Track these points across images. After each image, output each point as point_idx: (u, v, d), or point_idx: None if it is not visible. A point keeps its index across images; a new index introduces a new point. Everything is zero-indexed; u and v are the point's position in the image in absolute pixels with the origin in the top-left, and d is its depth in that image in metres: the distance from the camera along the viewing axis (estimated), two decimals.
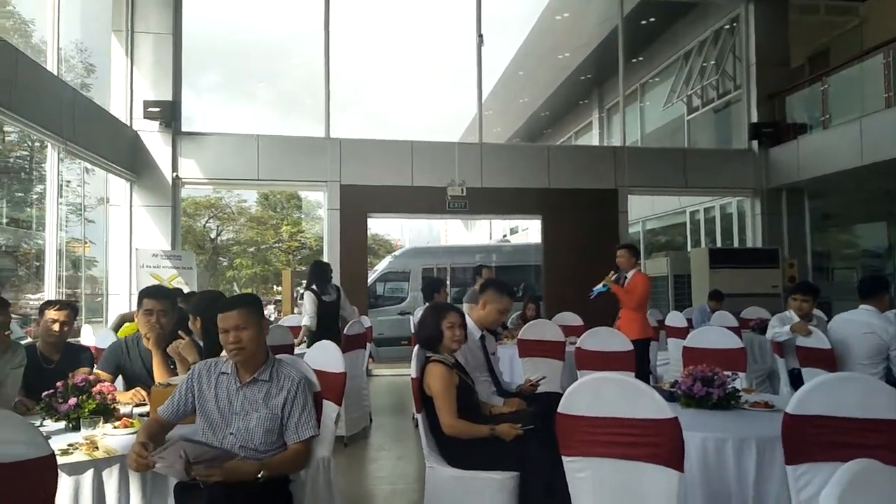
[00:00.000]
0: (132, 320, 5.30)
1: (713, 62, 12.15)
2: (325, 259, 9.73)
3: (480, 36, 10.28)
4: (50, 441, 2.18)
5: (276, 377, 2.45)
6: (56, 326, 3.35)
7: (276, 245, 25.42)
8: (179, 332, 3.39)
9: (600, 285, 5.48)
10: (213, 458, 2.17)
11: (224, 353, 2.50)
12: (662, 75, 14.29)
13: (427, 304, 5.79)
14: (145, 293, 3.44)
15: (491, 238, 23.50)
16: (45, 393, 2.73)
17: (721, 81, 11.98)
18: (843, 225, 12.06)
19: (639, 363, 4.89)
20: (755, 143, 10.60)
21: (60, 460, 2.07)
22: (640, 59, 14.04)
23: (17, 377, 3.09)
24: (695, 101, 12.87)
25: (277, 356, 2.57)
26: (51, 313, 3.34)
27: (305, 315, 5.90)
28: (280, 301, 16.63)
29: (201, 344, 3.44)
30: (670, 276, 11.17)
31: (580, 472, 2.24)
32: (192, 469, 2.10)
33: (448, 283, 12.01)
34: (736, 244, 11.66)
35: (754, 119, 10.58)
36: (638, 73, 14.43)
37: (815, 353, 4.29)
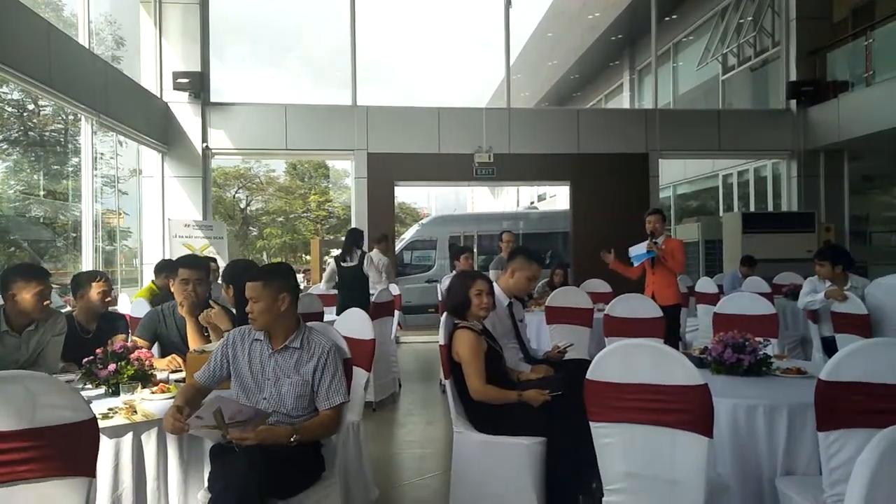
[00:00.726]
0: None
1: (750, 18, 11.69)
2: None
3: None
4: (91, 405, 2.27)
5: (307, 344, 2.50)
6: (103, 298, 3.45)
7: (305, 214, 25.66)
8: (211, 301, 3.46)
9: (643, 251, 5.37)
10: (247, 418, 2.23)
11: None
12: (696, 34, 13.81)
13: (453, 271, 5.81)
14: (181, 263, 3.52)
15: (518, 205, 23.33)
16: (86, 360, 2.83)
17: (758, 38, 11.54)
18: (884, 187, 11.64)
19: (671, 329, 4.86)
20: (793, 103, 10.24)
21: (101, 424, 2.16)
22: (674, 17, 13.59)
23: (58, 344, 3.20)
24: (730, 60, 12.44)
25: (308, 324, 2.61)
26: (98, 285, 3.43)
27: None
28: (309, 270, 16.84)
29: (234, 311, 3.51)
30: (701, 242, 10.98)
31: (608, 438, 2.25)
32: (227, 430, 2.16)
33: (475, 250, 12.00)
34: (770, 208, 11.37)
35: (793, 77, 10.20)
36: (671, 32, 13.98)
37: (850, 319, 4.20)
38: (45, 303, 3.03)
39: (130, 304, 5.37)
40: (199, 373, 2.53)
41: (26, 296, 3.00)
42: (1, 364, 2.61)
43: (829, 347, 4.62)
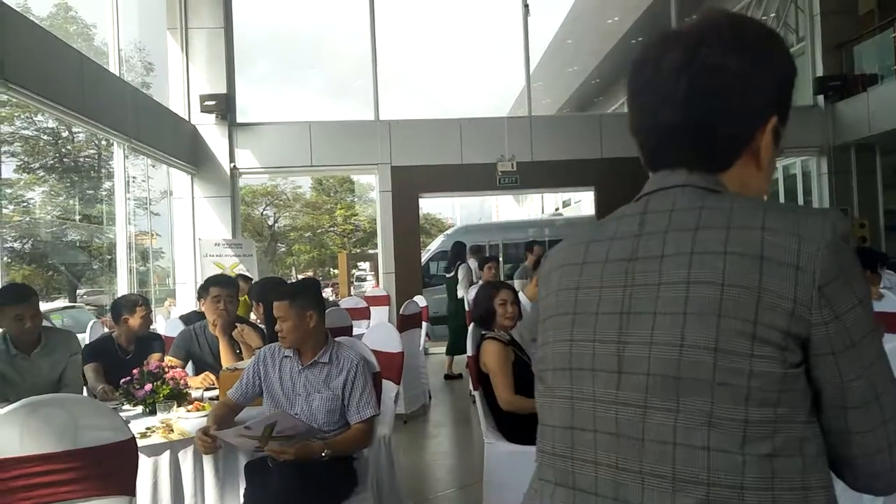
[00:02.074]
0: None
1: (773, 14, 11.54)
2: (379, 240, 9.89)
3: (526, 6, 10.07)
4: (129, 425, 2.34)
5: (336, 359, 2.54)
6: (145, 322, 3.55)
7: (332, 229, 25.92)
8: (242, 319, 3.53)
9: None
10: (296, 434, 2.27)
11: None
12: None
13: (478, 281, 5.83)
14: (212, 282, 3.60)
15: (543, 212, 23.24)
16: (123, 380, 2.91)
17: (783, 34, 11.37)
18: None
19: None
20: (821, 98, 10.04)
21: (140, 443, 2.22)
22: (694, 17, 13.45)
23: (76, 364, 3.22)
24: None
25: (337, 339, 2.65)
26: (141, 310, 3.51)
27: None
28: (337, 284, 17.01)
29: (264, 329, 3.58)
30: None
31: None
32: (267, 442, 2.21)
33: (500, 259, 11.99)
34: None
35: (819, 72, 10.01)
36: None
37: (888, 318, 4.09)
38: (25, 325, 3.01)
39: (165, 322, 5.49)
40: (232, 390, 2.58)
41: (5, 320, 3.01)
42: (22, 388, 2.66)
43: None
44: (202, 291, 5.72)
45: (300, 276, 26.20)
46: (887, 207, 10.19)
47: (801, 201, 11.23)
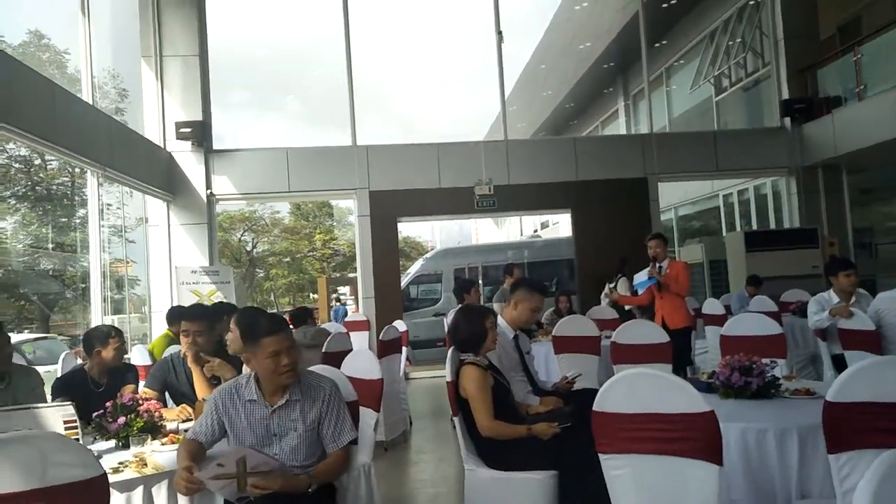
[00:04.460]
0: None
1: (739, 40, 11.88)
2: (358, 265, 9.87)
3: (500, 33, 10.25)
4: (101, 459, 2.28)
5: (307, 391, 2.46)
6: (118, 354, 3.46)
7: (311, 253, 25.78)
8: (202, 355, 3.44)
9: (645, 278, 5.42)
10: (270, 469, 2.23)
11: (244, 372, 2.53)
12: (687, 57, 14.03)
13: (459, 305, 5.82)
14: (181, 315, 3.55)
15: (522, 234, 23.39)
16: (96, 413, 2.84)
17: (748, 59, 11.70)
18: (886, 198, 11.66)
19: (682, 352, 4.84)
20: (787, 121, 10.33)
21: (112, 478, 2.17)
22: (664, 42, 13.82)
23: (39, 399, 3.17)
24: (723, 82, 12.60)
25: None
26: (114, 342, 3.43)
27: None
28: (316, 309, 16.88)
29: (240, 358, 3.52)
30: (706, 263, 10.98)
31: (617, 470, 2.24)
32: (246, 479, 2.15)
33: (480, 282, 12.02)
34: (772, 226, 11.38)
35: (785, 96, 10.31)
36: (662, 56, 14.20)
37: (858, 336, 4.17)
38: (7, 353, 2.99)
39: (139, 355, 5.39)
40: (197, 432, 2.44)
41: None
42: None
43: (840, 365, 4.58)
44: (170, 321, 5.70)
45: (279, 301, 25.93)
46: (855, 225, 10.46)
47: (772, 221, 11.48)
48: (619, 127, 17.38)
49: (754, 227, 12.05)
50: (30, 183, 13.51)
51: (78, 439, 2.76)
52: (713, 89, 12.82)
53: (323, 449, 2.48)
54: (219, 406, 2.45)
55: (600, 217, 9.75)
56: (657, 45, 13.41)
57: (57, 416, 2.70)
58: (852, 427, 2.10)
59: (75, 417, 2.72)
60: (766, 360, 3.09)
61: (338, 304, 17.62)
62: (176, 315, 5.84)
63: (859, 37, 9.93)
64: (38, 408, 2.74)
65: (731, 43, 12.14)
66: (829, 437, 2.13)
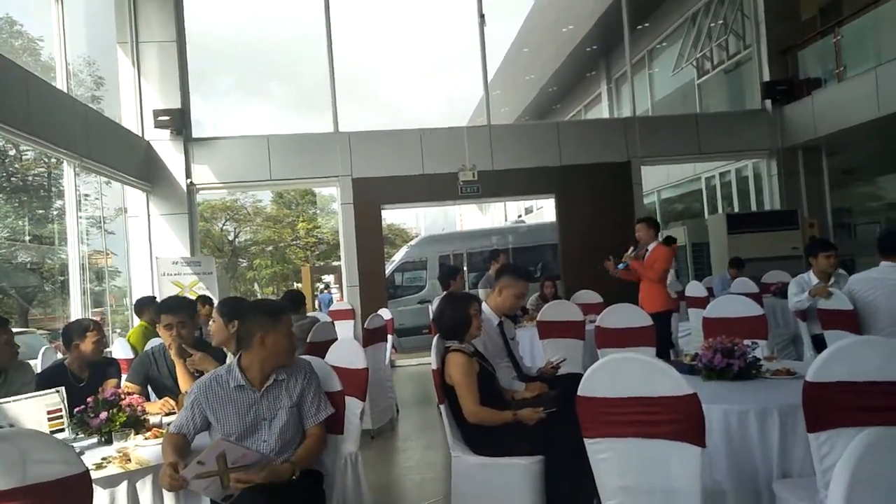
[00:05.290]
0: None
1: (721, 22, 11.89)
2: (342, 253, 9.83)
3: (482, 16, 10.17)
4: (84, 456, 2.26)
5: (289, 370, 2.54)
6: (97, 347, 3.42)
7: (294, 242, 25.61)
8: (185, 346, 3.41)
9: (620, 264, 5.47)
10: (251, 462, 2.22)
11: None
12: (670, 40, 14.04)
13: (444, 292, 5.82)
14: (161, 309, 3.52)
15: (506, 220, 23.43)
16: (77, 409, 2.81)
17: (730, 41, 11.73)
18: (864, 179, 11.80)
19: (661, 336, 4.88)
20: (769, 103, 10.38)
21: (95, 474, 2.14)
22: (646, 24, 13.81)
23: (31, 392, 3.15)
24: (705, 64, 12.63)
25: None
26: (92, 335, 3.39)
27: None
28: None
29: (225, 351, 3.49)
30: (688, 245, 11.07)
31: (602, 454, 2.26)
32: (229, 474, 2.15)
33: (465, 268, 12.03)
34: (754, 208, 11.49)
35: (766, 77, 10.36)
36: (644, 39, 14.20)
37: (837, 316, 4.23)
38: (12, 350, 3.02)
39: (120, 348, 5.34)
40: (181, 425, 2.44)
41: None
42: None
43: (820, 345, 4.65)
44: (139, 311, 5.70)
45: (263, 291, 25.78)
46: (835, 206, 10.59)
47: (753, 202, 11.59)
48: (602, 111, 17.39)
49: (736, 209, 12.16)
50: (5, 174, 13.25)
51: (63, 430, 2.75)
52: (695, 72, 12.85)
53: (303, 433, 2.50)
54: (200, 400, 2.46)
55: (584, 201, 9.77)
56: (639, 27, 13.40)
57: (41, 406, 2.68)
58: (831, 406, 2.14)
59: (61, 406, 2.70)
60: (747, 342, 3.12)
61: (325, 291, 17.57)
62: (143, 304, 5.85)
63: (840, 17, 9.97)
64: (26, 398, 2.72)
65: (712, 25, 12.15)
66: (809, 416, 2.17)
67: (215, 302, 5.98)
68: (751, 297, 4.71)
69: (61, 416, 2.69)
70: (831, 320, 4.30)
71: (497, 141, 9.86)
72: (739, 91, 11.84)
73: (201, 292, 7.66)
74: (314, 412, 2.51)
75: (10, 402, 2.68)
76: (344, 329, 8.07)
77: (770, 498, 2.46)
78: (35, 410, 2.66)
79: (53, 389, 2.75)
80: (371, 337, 5.56)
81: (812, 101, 9.70)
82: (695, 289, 6.96)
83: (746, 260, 8.25)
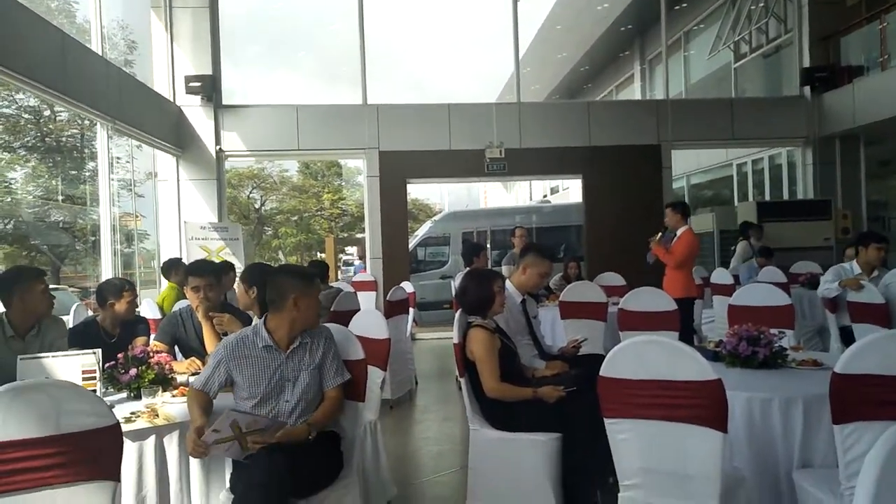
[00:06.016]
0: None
1: (762, 4, 11.54)
2: (366, 225, 9.87)
3: None
4: (113, 409, 2.33)
5: (312, 333, 2.60)
6: (131, 307, 3.51)
7: (319, 213, 25.76)
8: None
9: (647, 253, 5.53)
10: (263, 427, 2.28)
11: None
12: (707, 21, 13.66)
13: (467, 268, 5.82)
14: (189, 271, 3.59)
15: (531, 199, 23.27)
16: (108, 364, 2.88)
17: (770, 25, 11.39)
18: None
19: (682, 323, 4.84)
20: (807, 89, 10.11)
21: (125, 427, 2.21)
22: (684, 5, 13.44)
23: (64, 348, 3.24)
24: (742, 48, 12.30)
25: None
26: (128, 295, 3.48)
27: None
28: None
29: (251, 315, 3.55)
30: (716, 232, 10.89)
31: (622, 434, 2.26)
32: (246, 439, 2.21)
33: (488, 245, 12.01)
34: (786, 196, 11.24)
35: (806, 63, 10.07)
36: (681, 20, 13.83)
37: (868, 309, 4.16)
38: (49, 300, 3.13)
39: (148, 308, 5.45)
40: (205, 382, 2.49)
41: (35, 294, 3.08)
42: (12, 370, 2.65)
43: (848, 337, 4.58)
44: (167, 272, 5.87)
45: (287, 260, 26.06)
46: (870, 198, 10.32)
47: (785, 191, 11.34)
48: (633, 92, 17.06)
49: (767, 197, 11.91)
50: (39, 134, 13.47)
51: (95, 391, 2.83)
52: (732, 55, 12.51)
53: (322, 395, 2.56)
54: (227, 359, 2.51)
55: (611, 184, 9.65)
56: (677, 7, 13.06)
57: (77, 365, 2.75)
58: (859, 398, 2.11)
59: (95, 368, 2.77)
60: (773, 331, 3.08)
61: (359, 261, 17.72)
62: (170, 266, 5.98)
63: (887, 3, 9.61)
64: (64, 355, 2.80)
65: (753, 7, 11.80)
66: (836, 407, 2.14)
67: (238, 269, 6.09)
68: (778, 287, 4.64)
69: (95, 378, 2.75)
70: (861, 313, 4.22)
71: (526, 119, 9.76)
72: (777, 76, 11.52)
73: (228, 258, 7.77)
74: (332, 375, 2.58)
75: (48, 357, 2.76)
76: (366, 300, 8.12)
77: (789, 486, 2.45)
78: (71, 368, 2.74)
79: (90, 350, 2.81)
80: (393, 309, 5.60)
81: (853, 89, 9.40)
82: (721, 276, 6.86)
83: (776, 249, 8.09)
